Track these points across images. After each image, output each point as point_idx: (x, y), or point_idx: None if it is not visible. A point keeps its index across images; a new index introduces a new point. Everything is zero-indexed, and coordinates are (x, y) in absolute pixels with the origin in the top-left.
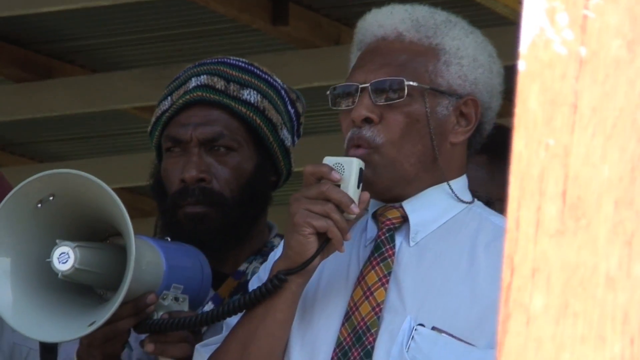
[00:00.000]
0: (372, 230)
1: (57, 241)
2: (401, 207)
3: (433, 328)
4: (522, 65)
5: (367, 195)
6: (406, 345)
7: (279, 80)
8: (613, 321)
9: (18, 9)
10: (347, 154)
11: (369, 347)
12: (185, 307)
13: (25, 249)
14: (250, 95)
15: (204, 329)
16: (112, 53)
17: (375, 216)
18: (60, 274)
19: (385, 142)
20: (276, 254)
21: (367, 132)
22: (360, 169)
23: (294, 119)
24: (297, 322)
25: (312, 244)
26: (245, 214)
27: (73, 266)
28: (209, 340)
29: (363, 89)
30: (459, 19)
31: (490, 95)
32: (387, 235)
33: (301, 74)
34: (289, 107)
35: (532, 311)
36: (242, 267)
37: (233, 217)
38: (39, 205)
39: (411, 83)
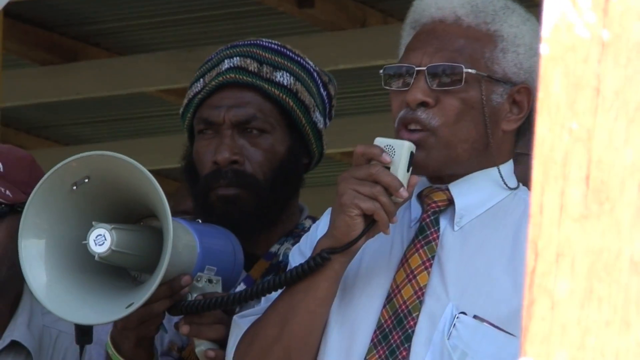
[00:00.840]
0: (416, 210)
1: (94, 223)
2: (447, 189)
3: (475, 317)
4: (544, 48)
5: (416, 179)
6: (447, 333)
7: (311, 63)
8: (637, 305)
9: None
10: (397, 133)
11: (409, 330)
12: (218, 288)
13: (60, 231)
14: (283, 77)
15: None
16: (138, 36)
17: (420, 197)
18: (97, 256)
19: (441, 125)
20: (318, 226)
21: (422, 114)
22: (411, 152)
23: (326, 101)
24: (338, 300)
25: (358, 225)
26: (277, 196)
27: (110, 248)
28: (247, 311)
29: (419, 72)
30: (517, 6)
31: None
32: (432, 218)
33: (327, 57)
34: (321, 90)
35: (556, 296)
36: (274, 249)
37: (265, 199)
38: (74, 187)
39: (469, 70)
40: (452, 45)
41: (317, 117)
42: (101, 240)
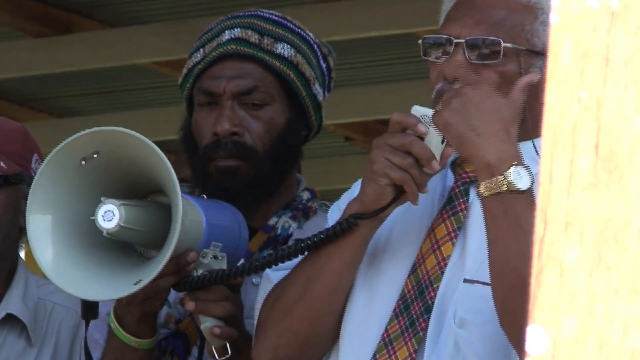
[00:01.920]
0: (450, 179)
1: (102, 199)
2: None
3: (465, 280)
4: (554, 18)
5: (450, 151)
6: (455, 307)
7: (311, 35)
8: None
9: None
10: (435, 105)
11: (429, 302)
12: (223, 265)
13: (67, 206)
14: (284, 49)
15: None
16: (131, 7)
17: (453, 165)
18: (105, 232)
19: None
20: (359, 184)
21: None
22: None
23: (326, 73)
24: (366, 265)
25: (388, 193)
26: (276, 168)
27: (118, 224)
28: (280, 265)
29: (457, 44)
30: None
31: None
32: (461, 188)
33: (320, 28)
34: (321, 62)
35: (565, 264)
36: (272, 222)
37: (265, 171)
38: (83, 162)
39: (508, 45)
40: (492, 18)
41: (317, 89)
42: (109, 216)
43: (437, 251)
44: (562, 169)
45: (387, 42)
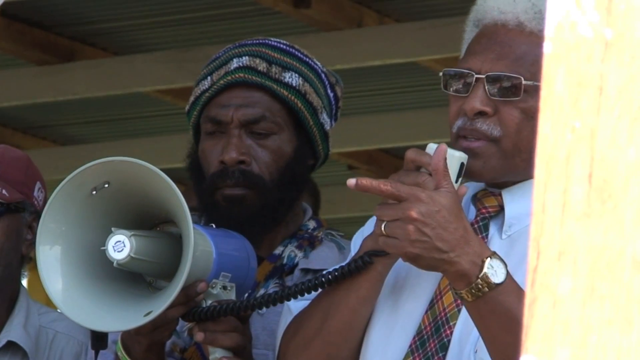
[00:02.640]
0: (472, 214)
1: (113, 229)
2: (500, 195)
3: None
4: (548, 47)
5: (464, 189)
6: (474, 347)
7: (319, 64)
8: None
9: None
10: (454, 142)
11: (445, 340)
12: (232, 295)
13: (78, 236)
14: (292, 78)
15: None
16: (134, 36)
17: (474, 200)
18: (115, 263)
19: (503, 136)
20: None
21: (482, 125)
22: (462, 163)
23: (333, 102)
24: (385, 299)
25: None
26: (283, 197)
27: (129, 255)
28: (303, 298)
29: (478, 79)
30: None
31: None
32: (481, 223)
33: (323, 57)
34: (329, 91)
35: (558, 294)
36: (278, 251)
37: (272, 200)
38: (94, 192)
39: (528, 83)
40: (513, 53)
41: (324, 118)
42: (120, 246)
43: None
44: (555, 199)
45: (390, 71)
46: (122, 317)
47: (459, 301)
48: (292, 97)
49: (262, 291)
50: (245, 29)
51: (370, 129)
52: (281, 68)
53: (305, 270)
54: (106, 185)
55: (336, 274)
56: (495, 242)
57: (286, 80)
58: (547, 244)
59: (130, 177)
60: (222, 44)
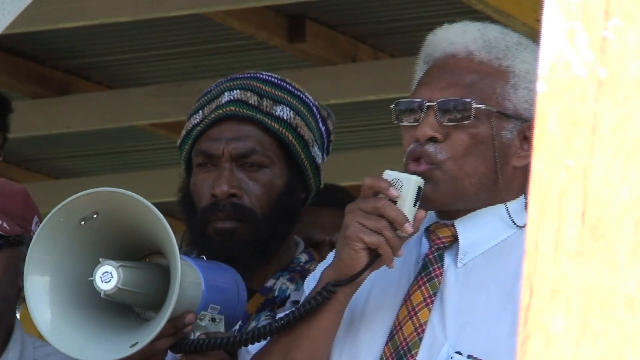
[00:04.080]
0: (425, 246)
1: (100, 260)
2: (453, 225)
3: (469, 356)
4: (541, 86)
5: (422, 213)
6: None
7: (310, 97)
8: (632, 342)
9: (35, 25)
10: (406, 167)
11: None
12: (221, 327)
13: (66, 267)
14: (283, 111)
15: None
16: (129, 69)
17: (427, 232)
18: (103, 294)
19: (447, 159)
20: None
21: (431, 148)
22: (419, 187)
23: (325, 136)
24: (343, 332)
25: (363, 258)
26: (275, 230)
27: (116, 286)
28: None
29: (429, 106)
30: (529, 42)
31: None
32: (435, 254)
33: (318, 91)
34: (320, 125)
35: (551, 332)
36: (269, 283)
37: (263, 233)
38: (83, 222)
39: (479, 106)
40: (463, 81)
41: (316, 151)
42: (108, 277)
43: (414, 317)
44: (548, 237)
45: (385, 106)
46: (108, 348)
47: (419, 329)
48: (283, 131)
49: (253, 324)
50: (240, 63)
51: (363, 164)
52: (272, 101)
53: (297, 303)
54: (95, 216)
55: (302, 309)
56: (451, 271)
57: (277, 113)
58: (540, 282)
59: (119, 208)
60: (216, 78)
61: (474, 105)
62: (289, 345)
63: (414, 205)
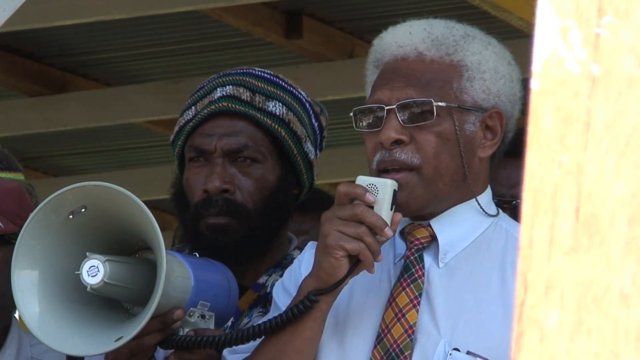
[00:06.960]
0: (400, 247)
1: (87, 254)
2: (429, 226)
3: (468, 352)
4: (535, 83)
5: (399, 216)
6: None
7: (303, 93)
8: (627, 338)
9: (32, 23)
10: (378, 176)
11: None
12: (211, 324)
13: (54, 261)
14: (275, 107)
15: None
16: (126, 67)
17: (403, 233)
18: (89, 287)
19: (422, 163)
20: (302, 261)
21: (401, 154)
22: (394, 190)
23: (318, 132)
24: (328, 338)
25: (344, 265)
26: (267, 226)
27: (102, 280)
28: (238, 347)
29: (389, 110)
30: (476, 31)
31: (513, 103)
32: (416, 255)
33: (315, 87)
34: (313, 120)
35: (546, 328)
36: (262, 280)
37: (255, 229)
38: (71, 216)
39: (439, 104)
40: (419, 81)
41: (309, 147)
42: (94, 271)
43: (403, 319)
44: (542, 233)
45: None
46: (93, 342)
47: (409, 331)
48: (276, 126)
49: (245, 320)
50: (237, 60)
51: (360, 160)
52: (265, 97)
53: None
54: (83, 210)
55: (284, 317)
56: (434, 271)
57: (270, 109)
58: (534, 278)
59: (107, 202)
60: (213, 75)
61: (435, 104)
62: (274, 357)
63: (391, 209)
